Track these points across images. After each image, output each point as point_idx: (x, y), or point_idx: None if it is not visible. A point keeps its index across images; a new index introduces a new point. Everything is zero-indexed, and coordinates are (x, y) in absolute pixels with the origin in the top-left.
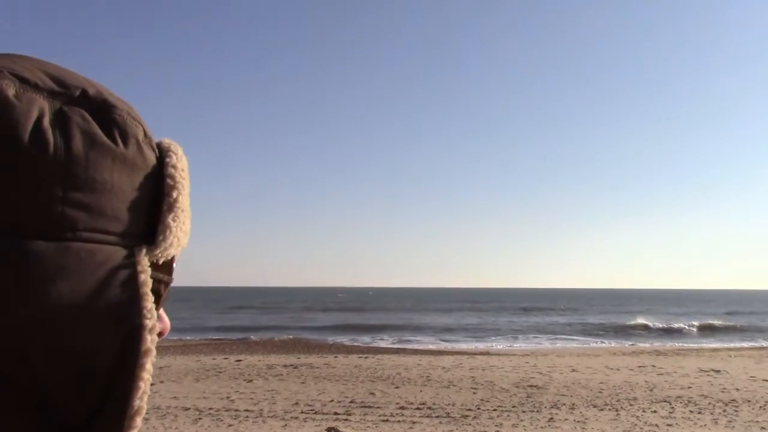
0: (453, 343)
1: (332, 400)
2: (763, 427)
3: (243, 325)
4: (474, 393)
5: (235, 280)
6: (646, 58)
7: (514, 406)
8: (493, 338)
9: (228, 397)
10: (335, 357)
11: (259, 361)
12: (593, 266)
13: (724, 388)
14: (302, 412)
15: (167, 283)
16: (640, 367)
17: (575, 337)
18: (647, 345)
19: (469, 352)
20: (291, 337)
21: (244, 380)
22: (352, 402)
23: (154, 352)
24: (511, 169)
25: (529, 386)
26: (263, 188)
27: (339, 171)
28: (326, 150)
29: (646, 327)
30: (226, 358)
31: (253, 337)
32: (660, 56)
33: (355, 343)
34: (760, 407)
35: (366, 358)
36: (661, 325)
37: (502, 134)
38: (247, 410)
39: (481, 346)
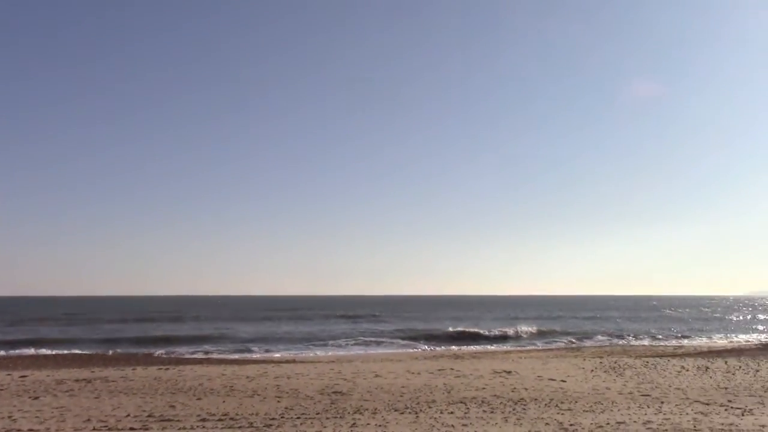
0: (266, 352)
1: (128, 415)
2: (547, 423)
3: (33, 338)
4: (278, 401)
5: (41, 289)
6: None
7: (318, 413)
8: (303, 346)
9: (10, 416)
10: (133, 369)
11: (48, 376)
12: (435, 274)
13: (515, 388)
14: (95, 429)
15: None
16: (439, 370)
17: (389, 341)
18: (449, 349)
19: (276, 361)
20: (105, 351)
21: (30, 397)
22: (150, 416)
23: None
24: (337, 174)
25: (334, 393)
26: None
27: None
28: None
29: (459, 332)
30: (9, 375)
31: (42, 350)
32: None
33: (157, 354)
34: (545, 404)
35: (167, 369)
36: (473, 330)
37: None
38: (31, 429)
39: (289, 353)
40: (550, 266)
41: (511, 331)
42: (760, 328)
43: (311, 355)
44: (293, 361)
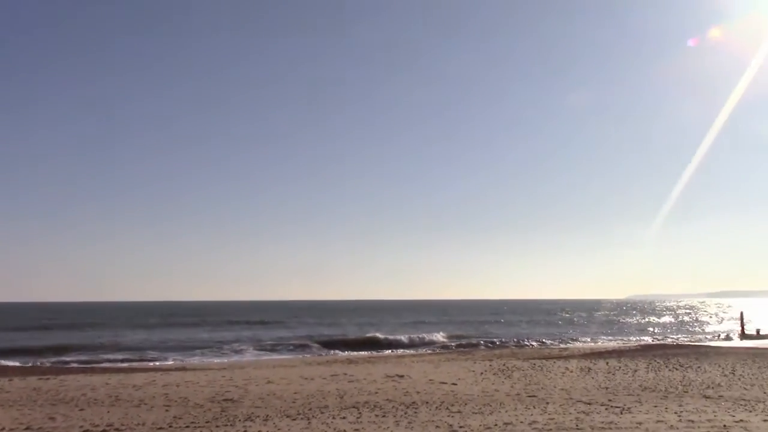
0: (158, 359)
1: (3, 429)
2: (438, 426)
3: None
4: (167, 410)
5: None
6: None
7: (207, 422)
8: (198, 352)
9: None
10: (10, 380)
11: None
12: (356, 279)
13: (407, 392)
14: None
15: None
16: (333, 375)
17: (286, 347)
18: (345, 354)
19: (164, 369)
20: None
21: None
22: (27, 429)
23: None
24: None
25: (224, 400)
26: None
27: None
28: None
29: (358, 338)
30: None
31: None
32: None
33: (39, 364)
34: (436, 407)
35: (47, 379)
36: (371, 336)
37: None
38: None
39: (181, 361)
40: (473, 271)
41: (405, 338)
42: (639, 329)
43: (204, 362)
44: (183, 369)
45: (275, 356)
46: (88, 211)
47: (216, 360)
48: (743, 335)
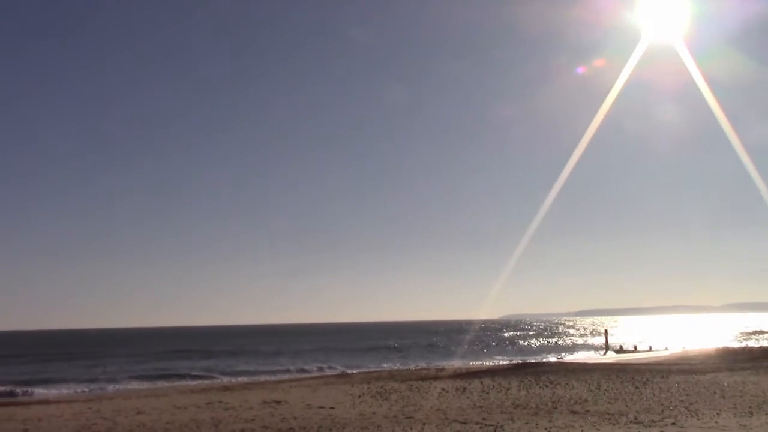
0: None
1: None
2: None
3: None
4: None
5: None
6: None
7: None
8: (63, 384)
9: None
10: None
11: None
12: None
13: (284, 418)
14: None
15: None
16: (207, 404)
17: (152, 376)
18: (218, 381)
19: (24, 402)
20: None
21: None
22: None
23: None
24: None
25: None
26: None
27: None
28: None
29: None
30: None
31: None
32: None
33: None
34: None
35: None
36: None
37: None
38: None
39: (40, 394)
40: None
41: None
42: (512, 348)
43: (70, 393)
44: (45, 402)
45: (147, 385)
46: None
47: (83, 391)
48: (607, 351)
